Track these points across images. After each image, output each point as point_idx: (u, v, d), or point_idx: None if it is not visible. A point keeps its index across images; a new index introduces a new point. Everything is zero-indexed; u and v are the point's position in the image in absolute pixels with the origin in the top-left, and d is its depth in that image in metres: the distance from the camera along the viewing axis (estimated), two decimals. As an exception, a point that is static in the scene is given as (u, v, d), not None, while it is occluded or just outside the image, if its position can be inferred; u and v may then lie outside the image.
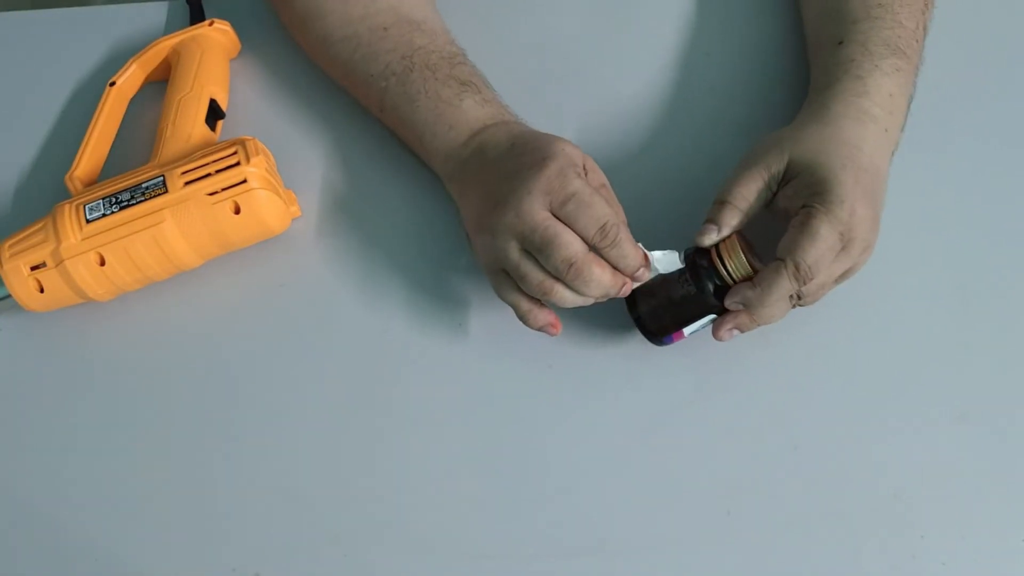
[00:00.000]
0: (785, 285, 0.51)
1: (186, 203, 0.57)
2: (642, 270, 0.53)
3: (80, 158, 0.63)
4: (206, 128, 0.63)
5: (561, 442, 0.58)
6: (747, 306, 0.53)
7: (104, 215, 0.57)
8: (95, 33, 0.70)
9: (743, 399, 0.58)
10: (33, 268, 0.57)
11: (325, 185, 0.65)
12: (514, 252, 0.52)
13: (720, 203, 0.54)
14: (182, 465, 0.58)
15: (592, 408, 0.58)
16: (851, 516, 0.56)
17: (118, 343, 0.61)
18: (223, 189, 0.58)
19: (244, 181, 0.58)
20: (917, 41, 0.60)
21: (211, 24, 0.66)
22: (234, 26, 0.67)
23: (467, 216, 0.57)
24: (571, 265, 0.51)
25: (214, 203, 0.57)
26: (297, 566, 0.56)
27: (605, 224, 0.51)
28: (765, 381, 0.59)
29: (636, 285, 0.54)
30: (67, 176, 0.62)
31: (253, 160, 0.58)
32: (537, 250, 0.52)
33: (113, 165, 0.65)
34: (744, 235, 0.55)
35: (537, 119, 0.60)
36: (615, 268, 0.52)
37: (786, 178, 0.54)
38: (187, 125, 0.62)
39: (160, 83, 0.67)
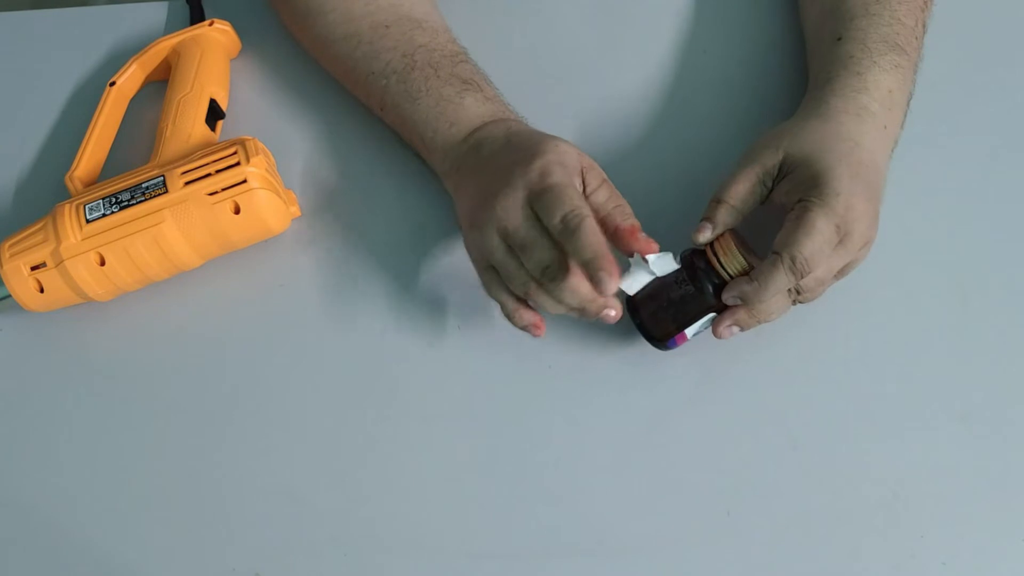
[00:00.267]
0: (782, 279, 0.51)
1: (186, 203, 0.57)
2: (603, 273, 0.48)
3: (80, 158, 0.63)
4: (206, 128, 0.63)
5: (561, 442, 0.58)
6: (745, 301, 0.53)
7: (104, 215, 0.57)
8: (95, 33, 0.70)
9: (743, 399, 0.58)
10: (33, 268, 0.57)
11: (325, 185, 0.65)
12: (500, 249, 0.53)
13: (715, 201, 0.55)
14: (182, 465, 0.58)
15: (592, 408, 0.58)
16: (851, 516, 0.56)
17: (118, 343, 0.61)
18: (223, 189, 0.57)
19: (244, 181, 0.58)
20: (916, 38, 0.60)
21: (211, 24, 0.66)
22: (234, 26, 0.67)
23: (461, 212, 0.57)
24: (545, 268, 0.50)
25: (214, 203, 0.57)
26: (297, 566, 0.56)
27: (567, 213, 0.49)
28: (765, 381, 0.59)
29: (613, 311, 0.51)
30: (67, 176, 0.62)
31: (253, 160, 0.58)
32: (519, 248, 0.52)
33: (113, 165, 0.65)
34: (739, 233, 0.56)
35: (535, 118, 0.60)
36: (578, 263, 0.49)
37: (783, 173, 0.54)
38: (187, 125, 0.62)
39: (160, 83, 0.67)
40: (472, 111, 0.58)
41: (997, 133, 0.65)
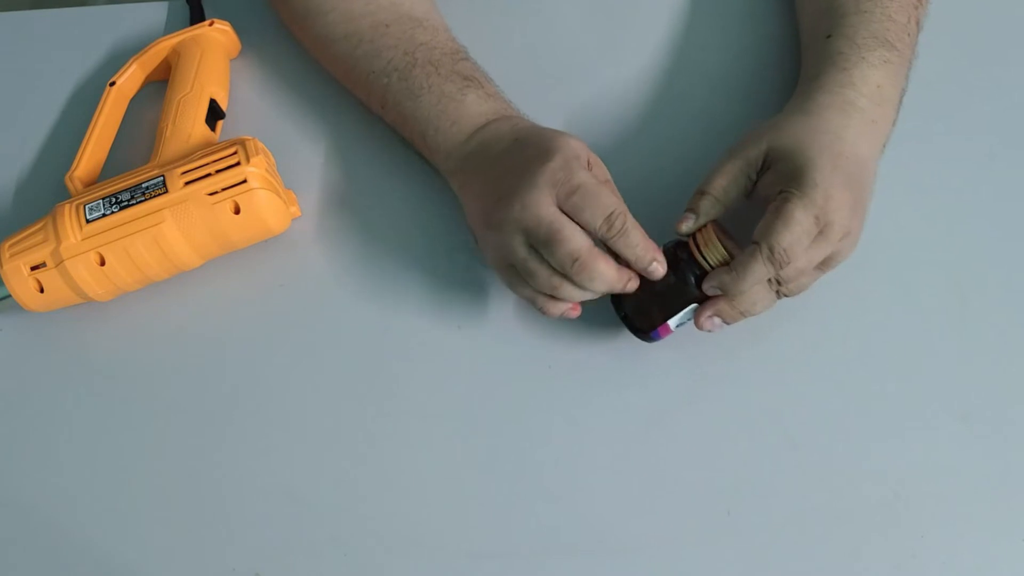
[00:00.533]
0: (760, 269, 0.52)
1: (186, 203, 0.57)
2: (655, 264, 0.53)
3: (80, 158, 0.63)
4: (206, 128, 0.63)
5: (561, 441, 0.58)
6: (724, 291, 0.53)
7: (104, 215, 0.57)
8: (95, 33, 0.70)
9: (744, 399, 0.58)
10: (33, 268, 0.57)
11: (325, 185, 0.65)
12: (521, 248, 0.53)
13: (698, 193, 0.55)
14: (182, 465, 0.58)
15: (591, 408, 0.58)
16: (851, 515, 0.56)
17: (118, 343, 0.61)
18: (223, 189, 0.58)
19: (244, 181, 0.58)
20: (909, 35, 0.60)
21: (211, 24, 0.66)
22: (234, 26, 0.67)
23: (471, 212, 0.57)
24: (576, 260, 0.51)
25: (214, 203, 0.57)
26: (297, 566, 0.56)
27: (611, 213, 0.51)
28: (765, 381, 0.59)
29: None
30: (67, 176, 0.62)
31: (253, 160, 0.58)
32: (543, 244, 0.52)
33: (113, 165, 0.65)
34: (722, 224, 0.56)
35: (534, 117, 0.60)
36: (625, 259, 0.52)
37: (766, 166, 0.55)
38: (187, 125, 0.62)
39: (160, 83, 0.67)
40: (474, 109, 0.58)
41: (995, 131, 0.65)
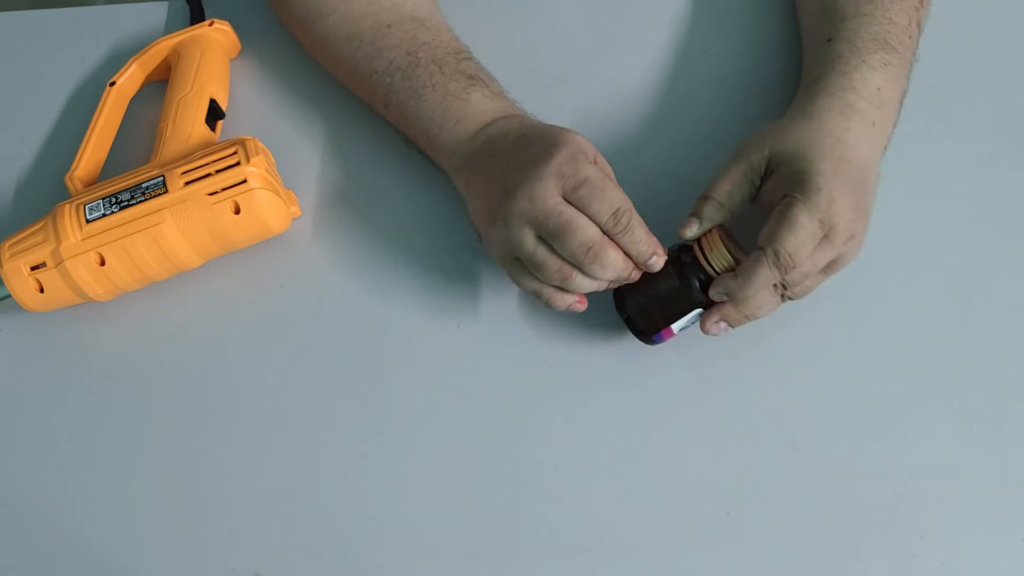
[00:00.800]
0: (766, 274, 0.52)
1: (186, 203, 0.57)
2: (655, 258, 0.53)
3: (80, 158, 0.63)
4: (206, 128, 0.63)
5: (561, 441, 0.58)
6: (730, 296, 0.53)
7: (104, 215, 0.57)
8: (95, 33, 0.70)
9: (744, 399, 0.58)
10: (33, 268, 0.57)
11: (325, 185, 0.65)
12: (529, 240, 0.53)
13: (702, 198, 0.56)
14: (182, 465, 0.58)
15: (592, 408, 0.58)
16: (851, 515, 0.56)
17: (118, 343, 0.61)
18: (223, 189, 0.57)
19: (244, 181, 0.58)
20: (910, 37, 0.60)
21: (211, 24, 0.66)
22: (234, 26, 0.67)
23: (476, 208, 0.57)
24: (589, 249, 0.51)
25: (214, 203, 0.57)
26: (297, 566, 0.56)
27: (618, 209, 0.52)
28: (765, 381, 0.59)
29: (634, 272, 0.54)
30: (67, 176, 0.62)
31: (253, 160, 0.58)
32: (552, 236, 0.52)
33: (113, 165, 0.65)
34: (726, 229, 0.56)
35: (534, 117, 0.60)
36: (627, 253, 0.53)
37: (768, 171, 0.55)
38: (187, 125, 0.62)
39: (160, 83, 0.67)
40: (478, 107, 0.58)
41: (997, 133, 0.65)
